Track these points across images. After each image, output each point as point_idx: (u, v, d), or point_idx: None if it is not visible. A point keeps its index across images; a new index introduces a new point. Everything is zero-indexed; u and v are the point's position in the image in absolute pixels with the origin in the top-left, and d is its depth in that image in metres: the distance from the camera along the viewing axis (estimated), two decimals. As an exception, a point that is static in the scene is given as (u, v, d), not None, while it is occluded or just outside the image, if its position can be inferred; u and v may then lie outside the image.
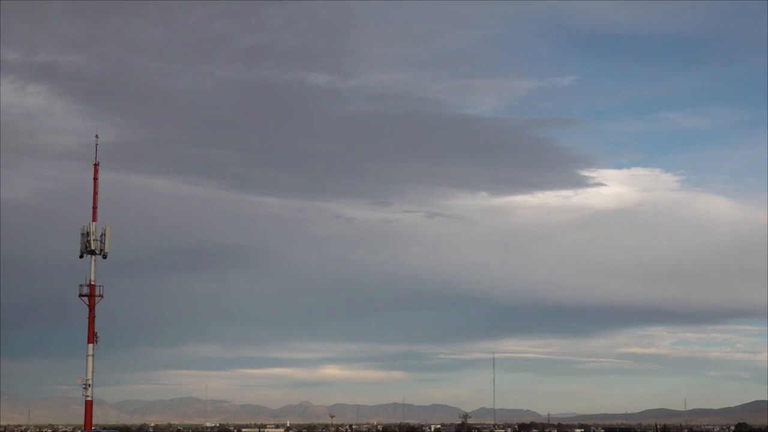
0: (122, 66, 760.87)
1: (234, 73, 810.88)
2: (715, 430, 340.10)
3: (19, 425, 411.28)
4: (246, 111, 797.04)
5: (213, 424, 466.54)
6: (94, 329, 74.76)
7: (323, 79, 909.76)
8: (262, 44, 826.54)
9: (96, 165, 76.99)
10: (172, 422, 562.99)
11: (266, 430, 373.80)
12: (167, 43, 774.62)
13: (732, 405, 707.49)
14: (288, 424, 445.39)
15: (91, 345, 74.48)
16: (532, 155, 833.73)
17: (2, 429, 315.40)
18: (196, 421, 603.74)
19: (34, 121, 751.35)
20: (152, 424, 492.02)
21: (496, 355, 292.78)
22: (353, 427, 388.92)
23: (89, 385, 74.42)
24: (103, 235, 75.26)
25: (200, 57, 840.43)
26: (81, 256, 75.75)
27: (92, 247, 74.92)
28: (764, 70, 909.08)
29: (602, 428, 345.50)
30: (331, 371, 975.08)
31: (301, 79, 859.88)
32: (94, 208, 75.91)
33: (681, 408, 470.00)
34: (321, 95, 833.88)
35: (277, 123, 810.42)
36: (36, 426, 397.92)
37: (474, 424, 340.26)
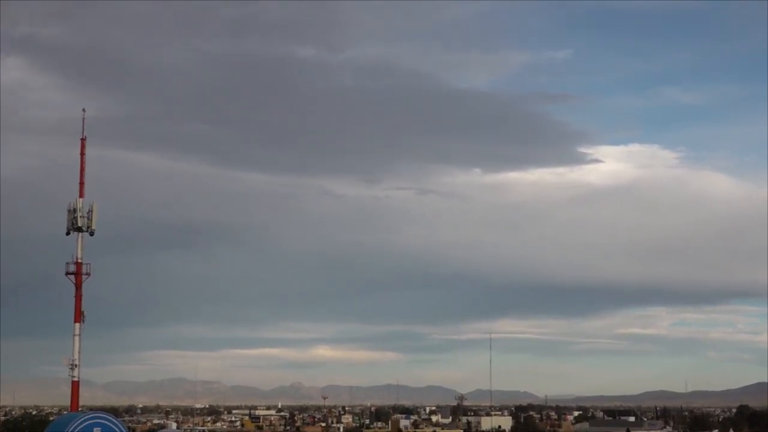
0: (104, 39, 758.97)
1: (219, 46, 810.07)
2: (716, 412, 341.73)
3: (4, 406, 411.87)
4: (232, 85, 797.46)
5: (203, 406, 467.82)
6: (81, 308, 74.72)
7: (311, 53, 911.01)
8: (247, 16, 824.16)
9: (83, 140, 76.76)
10: (160, 403, 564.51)
11: (257, 411, 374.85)
12: (150, 15, 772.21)
13: (733, 387, 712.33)
14: (279, 406, 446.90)
15: (77, 324, 74.41)
16: (527, 131, 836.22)
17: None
18: (186, 402, 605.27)
19: (15, 96, 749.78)
20: (140, 406, 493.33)
21: (492, 336, 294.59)
22: (346, 408, 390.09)
23: (76, 366, 74.46)
24: (90, 211, 75.07)
25: (184, 29, 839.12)
26: (67, 233, 75.60)
27: (79, 224, 74.72)
28: (764, 45, 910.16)
29: (601, 410, 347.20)
30: (323, 352, 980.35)
31: (288, 52, 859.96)
32: (81, 183, 75.69)
33: (681, 390, 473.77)
34: (309, 69, 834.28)
35: (264, 97, 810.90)
36: (21, 407, 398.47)
37: (470, 406, 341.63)
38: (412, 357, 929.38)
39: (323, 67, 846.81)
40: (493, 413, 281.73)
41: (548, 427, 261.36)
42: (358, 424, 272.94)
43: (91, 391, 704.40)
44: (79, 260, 74.69)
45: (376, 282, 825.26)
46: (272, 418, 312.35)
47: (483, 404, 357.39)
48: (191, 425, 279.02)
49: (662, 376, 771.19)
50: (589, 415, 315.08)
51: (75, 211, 74.87)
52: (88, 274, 74.84)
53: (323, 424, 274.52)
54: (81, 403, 78.64)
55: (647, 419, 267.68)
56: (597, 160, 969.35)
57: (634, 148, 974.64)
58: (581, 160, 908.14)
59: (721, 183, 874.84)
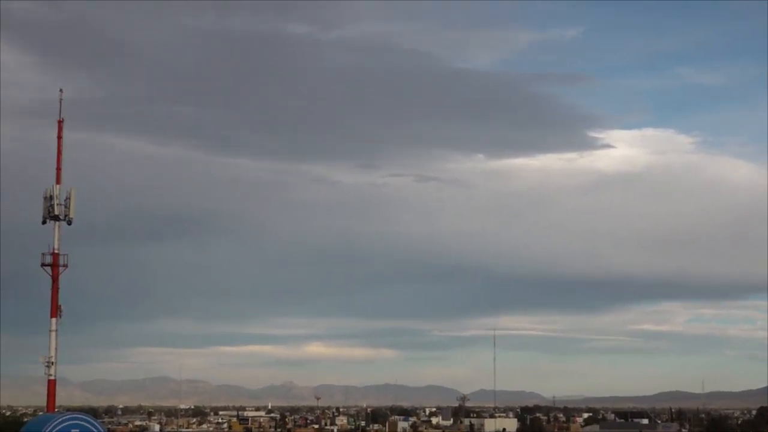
0: (81, 15, 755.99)
1: (205, 23, 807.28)
2: (735, 414, 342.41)
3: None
4: (219, 65, 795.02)
5: (187, 406, 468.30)
6: (57, 302, 74.50)
7: (304, 30, 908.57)
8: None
9: (60, 122, 76.46)
10: (142, 404, 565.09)
11: (245, 412, 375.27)
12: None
13: (753, 387, 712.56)
14: (269, 407, 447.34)
15: (54, 319, 74.17)
16: (534, 114, 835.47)
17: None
18: (170, 402, 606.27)
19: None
20: (121, 406, 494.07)
21: (496, 332, 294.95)
22: (341, 409, 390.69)
23: (52, 363, 74.27)
24: (67, 199, 74.75)
25: (168, 4, 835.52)
26: (43, 222, 75.34)
27: (56, 212, 74.42)
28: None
29: (612, 412, 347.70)
30: (316, 349, 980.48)
31: (279, 29, 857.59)
32: (58, 169, 75.37)
33: (698, 390, 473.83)
34: (301, 47, 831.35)
35: (254, 78, 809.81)
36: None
37: (472, 407, 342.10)
38: (411, 355, 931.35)
39: (316, 45, 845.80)
40: (497, 415, 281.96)
41: (556, 430, 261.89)
42: (353, 426, 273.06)
43: (69, 391, 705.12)
44: (56, 251, 74.41)
45: (373, 275, 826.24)
46: (262, 420, 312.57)
47: (486, 405, 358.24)
48: (175, 427, 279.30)
49: (677, 376, 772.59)
50: (600, 416, 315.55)
51: (52, 198, 74.53)
52: (65, 265, 74.56)
53: (316, 426, 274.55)
54: (58, 403, 78.56)
55: (661, 421, 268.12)
56: (608, 146, 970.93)
57: (648, 132, 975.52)
58: (591, 145, 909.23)
59: (740, 169, 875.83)
